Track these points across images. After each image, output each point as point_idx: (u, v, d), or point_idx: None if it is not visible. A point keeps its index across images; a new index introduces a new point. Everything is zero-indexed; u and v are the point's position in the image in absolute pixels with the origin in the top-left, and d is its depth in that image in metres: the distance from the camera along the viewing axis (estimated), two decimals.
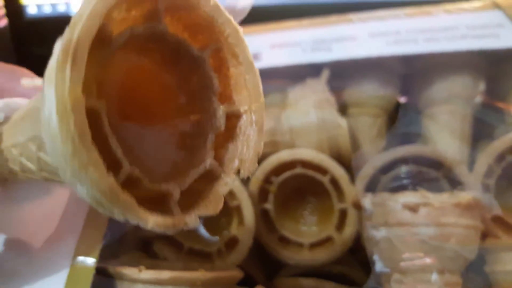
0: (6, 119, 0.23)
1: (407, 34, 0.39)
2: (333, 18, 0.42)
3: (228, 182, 0.20)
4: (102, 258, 0.28)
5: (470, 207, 0.28)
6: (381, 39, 0.39)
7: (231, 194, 0.33)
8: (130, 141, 0.20)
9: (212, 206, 0.20)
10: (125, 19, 0.18)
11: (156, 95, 0.21)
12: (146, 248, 0.33)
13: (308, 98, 0.36)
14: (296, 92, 0.38)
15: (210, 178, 0.20)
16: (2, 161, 0.22)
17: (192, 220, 0.19)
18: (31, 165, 0.20)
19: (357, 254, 0.36)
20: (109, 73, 0.18)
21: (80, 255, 0.28)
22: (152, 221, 0.16)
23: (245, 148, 0.20)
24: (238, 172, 0.21)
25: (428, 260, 0.27)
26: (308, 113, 0.36)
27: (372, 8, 0.43)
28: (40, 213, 0.28)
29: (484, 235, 0.31)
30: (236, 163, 0.20)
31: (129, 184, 0.16)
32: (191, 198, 0.19)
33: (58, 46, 0.15)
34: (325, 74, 0.38)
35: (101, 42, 0.16)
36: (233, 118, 0.20)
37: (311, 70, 0.39)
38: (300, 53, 0.39)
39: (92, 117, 0.15)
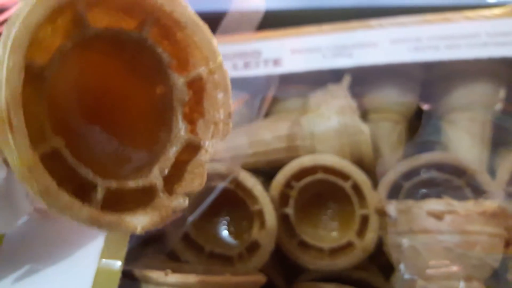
0: None
1: (428, 40, 0.39)
2: (353, 23, 0.42)
3: (208, 149, 0.20)
4: (127, 261, 0.28)
5: (495, 215, 0.28)
6: (402, 46, 0.39)
7: (253, 198, 0.33)
8: (102, 141, 0.20)
9: (197, 180, 0.20)
10: (54, 31, 0.17)
11: (116, 88, 0.21)
12: (167, 250, 0.33)
13: (329, 103, 0.37)
14: (317, 97, 0.38)
15: (190, 150, 0.20)
16: None
17: (181, 202, 0.19)
18: None
19: (377, 260, 0.36)
20: (58, 87, 0.18)
21: (106, 257, 0.28)
22: (140, 227, 0.17)
23: (216, 112, 0.20)
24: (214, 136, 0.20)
25: (454, 268, 0.27)
26: (330, 119, 0.36)
27: (391, 14, 0.43)
28: None
29: (507, 243, 0.31)
30: (211, 128, 0.20)
31: (111, 197, 0.17)
32: (175, 179, 0.19)
33: None
34: (346, 79, 0.38)
35: (34, 78, 0.16)
36: (195, 84, 0.20)
37: (332, 76, 0.39)
38: (321, 59, 0.39)
39: (55, 154, 0.16)
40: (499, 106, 0.39)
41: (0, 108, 0.14)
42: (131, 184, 0.18)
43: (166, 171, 0.19)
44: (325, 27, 0.42)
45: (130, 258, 0.29)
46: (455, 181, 0.33)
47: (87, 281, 0.27)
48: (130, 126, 0.21)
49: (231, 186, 0.33)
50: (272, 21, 0.43)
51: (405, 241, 0.29)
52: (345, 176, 0.34)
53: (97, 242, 0.29)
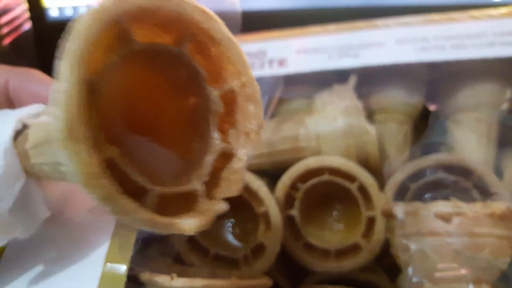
0: (24, 128, 0.24)
1: (434, 40, 0.39)
2: (359, 23, 0.41)
3: (241, 157, 0.21)
4: (132, 264, 0.28)
5: (504, 217, 0.28)
6: (408, 46, 0.39)
7: (258, 201, 0.33)
8: (144, 150, 0.21)
9: (234, 186, 0.21)
10: (99, 45, 0.18)
11: (154, 99, 0.22)
12: (172, 253, 0.33)
13: (335, 104, 0.36)
14: (323, 98, 0.37)
15: (224, 159, 0.21)
16: (36, 168, 0.23)
17: (221, 205, 0.21)
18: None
19: (383, 261, 0.36)
20: (106, 100, 0.19)
21: (111, 261, 0.28)
22: (191, 229, 0.18)
23: (247, 122, 0.21)
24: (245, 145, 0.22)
25: (462, 271, 0.27)
26: (336, 119, 0.36)
27: (396, 14, 0.43)
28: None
29: None
30: (243, 137, 0.21)
31: (159, 201, 0.18)
32: (212, 185, 0.21)
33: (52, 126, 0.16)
34: (352, 80, 0.37)
35: (91, 93, 0.17)
36: (227, 96, 0.21)
37: (337, 76, 0.39)
38: (327, 59, 0.39)
39: (109, 163, 0.17)
40: (505, 106, 0.39)
41: (66, 121, 0.15)
42: (178, 189, 0.19)
43: (205, 178, 0.21)
44: (331, 27, 0.42)
45: (135, 262, 0.29)
46: (462, 182, 0.33)
47: (92, 285, 0.27)
48: (167, 136, 0.22)
49: None
50: (277, 21, 0.43)
51: (413, 244, 0.29)
52: (351, 178, 0.34)
53: (102, 246, 0.29)
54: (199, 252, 0.34)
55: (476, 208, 0.28)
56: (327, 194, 0.36)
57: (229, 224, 0.36)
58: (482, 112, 0.39)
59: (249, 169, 0.38)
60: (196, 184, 0.20)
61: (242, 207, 0.34)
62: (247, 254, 0.34)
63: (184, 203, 0.20)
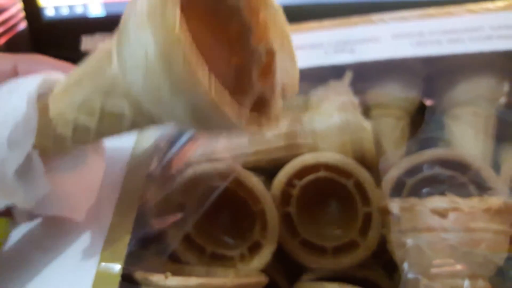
0: (46, 93, 0.24)
1: (431, 35, 0.39)
2: (355, 19, 0.41)
3: (278, 103, 0.23)
4: (126, 263, 0.28)
5: (501, 212, 0.28)
6: (404, 41, 0.38)
7: (254, 198, 0.33)
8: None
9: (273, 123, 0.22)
10: None
11: (206, 52, 0.23)
12: (168, 252, 0.33)
13: (331, 100, 0.36)
14: (318, 95, 0.37)
15: (261, 105, 0.23)
16: (48, 131, 0.24)
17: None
18: (89, 122, 0.22)
19: (380, 258, 0.36)
20: None
21: (106, 261, 0.28)
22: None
23: (285, 77, 0.23)
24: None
25: (458, 267, 0.27)
26: (332, 116, 0.35)
27: (392, 9, 0.42)
28: (80, 184, 0.29)
29: None
30: (279, 88, 0.23)
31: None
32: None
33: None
34: (348, 76, 0.37)
35: None
36: (268, 54, 0.23)
37: (333, 72, 0.39)
38: (322, 55, 0.38)
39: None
40: (503, 100, 0.39)
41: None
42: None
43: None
44: (326, 22, 0.41)
45: (130, 261, 0.29)
46: (459, 177, 0.32)
47: (87, 285, 0.27)
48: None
49: (232, 186, 0.33)
50: None
51: (409, 240, 0.29)
52: (347, 174, 0.34)
53: (96, 245, 0.28)
54: (195, 250, 0.34)
55: (472, 203, 0.28)
56: (324, 190, 0.36)
57: (226, 222, 0.36)
58: (480, 106, 0.38)
59: (245, 167, 0.38)
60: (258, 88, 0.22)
61: (239, 205, 0.34)
62: (243, 252, 0.33)
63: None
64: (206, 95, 0.17)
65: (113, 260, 0.28)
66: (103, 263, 0.27)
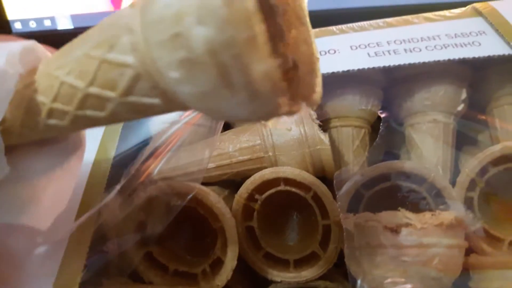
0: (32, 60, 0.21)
1: (388, 45, 0.37)
2: (316, 31, 0.40)
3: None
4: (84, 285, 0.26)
5: (453, 227, 0.27)
6: (362, 51, 0.37)
7: (214, 216, 0.31)
8: None
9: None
10: None
11: None
12: (128, 271, 0.31)
13: None
14: None
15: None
16: (23, 100, 0.20)
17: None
18: (74, 90, 0.18)
19: (343, 267, 0.35)
20: None
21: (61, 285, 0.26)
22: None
23: (306, 91, 0.19)
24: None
25: (409, 286, 0.26)
26: (291, 129, 0.34)
27: (364, 16, 0.41)
28: (52, 189, 0.24)
29: (469, 251, 0.29)
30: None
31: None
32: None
33: None
34: None
35: None
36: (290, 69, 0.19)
37: None
38: None
39: None
40: (461, 108, 0.37)
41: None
42: None
43: None
44: None
45: (89, 284, 0.27)
46: (416, 188, 0.31)
47: None
48: None
49: (191, 204, 0.31)
50: None
51: (362, 256, 0.27)
52: (305, 188, 0.32)
53: (50, 272, 0.27)
54: (157, 269, 0.32)
55: (424, 219, 0.26)
56: (285, 203, 0.35)
57: (188, 239, 0.34)
58: (439, 114, 0.37)
59: (209, 181, 0.36)
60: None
61: (200, 221, 0.33)
62: (205, 269, 0.32)
63: None
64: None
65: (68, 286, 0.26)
66: None
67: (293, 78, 0.19)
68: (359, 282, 0.27)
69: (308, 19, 0.20)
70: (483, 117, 0.37)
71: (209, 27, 0.14)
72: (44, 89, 0.20)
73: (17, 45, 0.21)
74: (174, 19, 0.15)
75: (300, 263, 0.33)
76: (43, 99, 0.20)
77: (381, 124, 0.37)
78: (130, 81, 0.17)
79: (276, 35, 0.18)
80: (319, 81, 0.20)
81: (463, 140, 0.37)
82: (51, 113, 0.20)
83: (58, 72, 0.19)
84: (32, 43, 0.22)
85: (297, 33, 0.19)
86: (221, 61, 0.14)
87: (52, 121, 0.20)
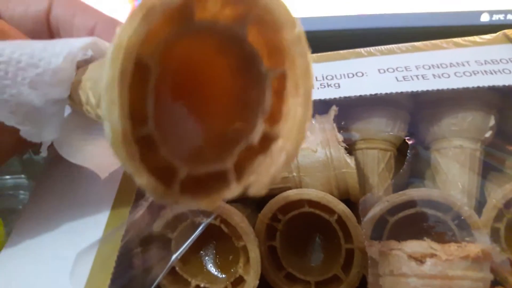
0: (93, 58, 0.24)
1: (417, 69, 0.37)
2: (344, 52, 0.39)
3: (235, 191, 0.18)
4: None
5: (479, 259, 0.26)
6: (390, 75, 0.36)
7: (237, 235, 0.31)
8: (171, 112, 0.19)
9: (207, 202, 0.18)
10: (216, 10, 0.17)
11: (215, 87, 0.20)
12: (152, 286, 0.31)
13: (316, 135, 0.34)
14: None
15: (220, 179, 0.18)
16: (77, 89, 0.23)
17: (184, 203, 0.17)
18: (93, 100, 0.21)
19: None
20: (178, 45, 0.17)
21: None
22: (146, 180, 0.15)
23: (265, 170, 0.18)
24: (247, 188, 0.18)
25: None
26: (316, 151, 0.34)
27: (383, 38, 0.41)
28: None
29: (494, 283, 0.28)
30: (251, 179, 0.18)
31: (146, 145, 0.16)
32: (194, 187, 0.18)
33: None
34: (333, 111, 0.35)
35: (140, 66, 0.16)
36: (268, 139, 0.19)
37: (318, 107, 0.37)
38: None
39: (142, 71, 0.15)
40: (488, 134, 0.37)
41: (106, 85, 0.15)
42: (164, 154, 0.17)
43: (194, 173, 0.18)
44: (314, 56, 0.40)
45: None
46: (441, 217, 0.31)
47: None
48: (211, 113, 0.20)
49: (216, 222, 0.31)
50: None
51: (386, 284, 0.27)
52: (330, 210, 0.32)
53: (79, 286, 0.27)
54: (180, 283, 0.32)
55: (450, 251, 0.26)
56: (308, 224, 0.34)
57: (211, 255, 0.34)
58: (466, 140, 0.36)
59: (234, 199, 0.36)
60: (182, 169, 0.17)
61: (224, 239, 0.33)
62: (227, 286, 0.32)
63: (217, 185, 0.18)
64: (115, 123, 0.15)
65: None
66: None
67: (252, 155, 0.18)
68: None
69: (308, 93, 0.18)
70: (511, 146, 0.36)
71: None
72: (83, 91, 0.22)
73: (78, 42, 0.24)
74: None
75: (321, 285, 0.33)
76: (82, 97, 0.22)
77: (408, 150, 0.36)
78: None
79: (260, 106, 0.18)
80: (279, 170, 0.18)
81: (489, 167, 0.36)
82: (86, 105, 0.22)
83: (88, 84, 0.22)
84: (93, 39, 0.25)
85: (292, 102, 0.18)
86: None
87: (87, 109, 0.22)
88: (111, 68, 0.14)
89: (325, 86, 0.37)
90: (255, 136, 0.18)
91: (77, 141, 0.28)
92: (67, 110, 0.27)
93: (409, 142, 0.37)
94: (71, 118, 0.27)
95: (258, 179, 0.18)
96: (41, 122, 0.25)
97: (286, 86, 0.18)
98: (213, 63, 0.19)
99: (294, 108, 0.18)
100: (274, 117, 0.19)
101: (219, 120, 0.19)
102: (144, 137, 0.16)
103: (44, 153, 0.28)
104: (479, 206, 0.34)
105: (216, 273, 0.33)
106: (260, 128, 0.18)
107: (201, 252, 0.34)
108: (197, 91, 0.19)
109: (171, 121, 0.18)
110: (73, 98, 0.24)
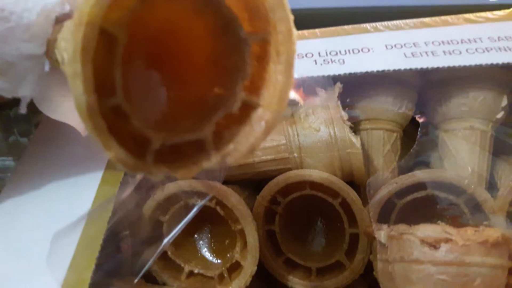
0: (72, 13, 0.22)
1: (426, 45, 0.34)
2: (348, 28, 0.37)
3: (213, 160, 0.18)
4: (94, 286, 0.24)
5: (498, 245, 0.23)
6: (398, 51, 0.34)
7: (234, 218, 0.29)
8: (144, 81, 0.18)
9: (184, 172, 0.17)
10: None
11: (192, 53, 0.19)
12: (142, 272, 0.29)
13: (319, 113, 0.32)
14: (306, 107, 0.33)
15: (199, 148, 0.18)
16: (53, 47, 0.22)
17: (158, 173, 0.16)
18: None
19: (368, 278, 0.32)
20: (148, 12, 0.16)
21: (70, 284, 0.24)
22: (115, 152, 0.15)
23: (244, 139, 0.18)
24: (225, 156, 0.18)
25: None
26: (319, 130, 0.31)
27: (391, 16, 0.38)
28: None
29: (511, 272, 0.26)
30: (230, 148, 0.18)
31: (117, 115, 0.15)
32: (170, 156, 0.17)
33: None
34: (338, 87, 0.33)
35: (106, 36, 0.15)
36: (248, 107, 0.18)
37: (323, 83, 0.34)
38: (312, 65, 0.34)
39: (109, 41, 0.15)
40: (500, 115, 0.34)
41: (69, 57, 0.14)
42: (135, 124, 0.16)
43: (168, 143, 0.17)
44: (318, 31, 0.37)
45: (100, 283, 0.25)
46: (454, 200, 0.28)
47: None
48: (186, 81, 0.19)
49: (211, 204, 0.29)
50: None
51: (396, 271, 0.24)
52: (333, 193, 0.29)
53: (60, 269, 0.25)
54: (172, 270, 0.30)
55: (467, 235, 0.23)
56: (310, 208, 0.32)
57: (206, 240, 0.32)
58: (476, 121, 0.34)
59: (230, 179, 0.33)
60: (155, 138, 0.16)
61: (220, 222, 0.30)
62: (222, 272, 0.29)
63: (194, 154, 0.17)
64: (80, 96, 0.14)
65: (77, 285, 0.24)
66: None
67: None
68: None
69: (289, 60, 0.17)
70: None
71: None
72: (58, 50, 0.20)
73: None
74: None
75: (323, 272, 0.30)
76: (57, 56, 0.20)
77: (419, 129, 0.33)
78: None
79: (239, 72, 0.18)
80: (260, 138, 0.17)
81: (500, 149, 0.33)
82: (61, 65, 0.20)
83: (62, 43, 0.19)
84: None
85: (273, 69, 0.17)
86: None
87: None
88: (73, 41, 0.14)
89: (328, 62, 0.34)
90: (235, 104, 0.18)
91: (57, 97, 0.26)
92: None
93: (420, 120, 0.34)
94: (51, 74, 0.25)
95: (237, 148, 0.17)
96: (16, 77, 0.23)
97: (267, 52, 0.17)
98: (189, 27, 0.18)
99: (275, 76, 0.17)
100: (255, 85, 0.18)
101: (197, 86, 0.19)
102: (113, 108, 0.15)
103: (23, 110, 0.25)
104: (489, 190, 0.31)
105: (211, 258, 0.31)
106: (239, 96, 0.18)
107: (195, 236, 0.31)
108: (173, 57, 0.19)
109: (144, 91, 0.18)
110: (51, 56, 0.22)
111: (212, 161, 0.17)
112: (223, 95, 0.18)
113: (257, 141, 0.17)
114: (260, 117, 0.17)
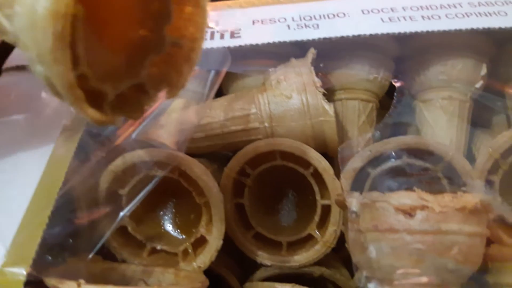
0: None
1: (404, 11, 0.32)
2: None
3: (153, 97, 0.20)
4: (38, 267, 0.21)
5: (476, 212, 0.22)
6: (375, 16, 0.32)
7: (198, 190, 0.26)
8: (92, 43, 0.18)
9: (134, 113, 0.20)
10: None
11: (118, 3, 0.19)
12: (96, 247, 0.26)
13: (291, 80, 0.29)
14: (277, 74, 0.30)
15: (138, 90, 0.20)
16: None
17: (118, 120, 0.19)
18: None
19: (341, 253, 0.30)
20: None
21: (10, 265, 0.21)
22: (91, 114, 0.16)
23: (175, 77, 0.20)
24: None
25: (425, 278, 0.21)
26: (291, 97, 0.29)
27: None
28: None
29: (489, 241, 0.24)
30: (164, 85, 0.20)
31: (79, 80, 0.16)
32: (121, 104, 0.19)
33: None
34: (311, 53, 0.30)
35: None
36: (174, 47, 0.20)
37: (295, 49, 0.32)
38: (285, 30, 0.32)
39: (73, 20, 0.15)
40: (480, 84, 0.32)
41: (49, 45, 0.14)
42: (93, 83, 0.17)
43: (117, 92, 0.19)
44: None
45: (43, 264, 0.22)
46: (430, 168, 0.26)
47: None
48: (118, 24, 0.19)
49: (174, 175, 0.26)
50: None
51: (368, 241, 0.22)
52: (305, 163, 0.27)
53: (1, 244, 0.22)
54: (133, 246, 0.27)
55: (444, 202, 0.21)
56: (280, 180, 0.30)
57: (169, 214, 0.29)
58: (455, 90, 0.32)
59: (196, 152, 0.31)
60: (110, 90, 0.18)
61: (184, 195, 0.28)
62: (187, 248, 0.27)
63: (139, 97, 0.20)
64: (63, 77, 0.15)
65: (18, 263, 0.21)
66: (6, 268, 0.21)
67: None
68: (364, 272, 0.22)
69: (204, 4, 0.19)
70: (502, 90, 0.32)
71: None
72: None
73: None
74: None
75: (293, 246, 0.29)
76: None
77: (395, 94, 0.31)
78: None
79: (163, 15, 0.19)
80: (190, 71, 0.20)
81: (482, 115, 0.32)
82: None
83: None
84: None
85: (191, 12, 0.19)
86: None
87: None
88: (49, 37, 0.14)
89: (302, 27, 0.32)
90: (164, 47, 0.20)
91: None
92: None
93: (396, 85, 0.32)
94: None
95: (171, 84, 0.20)
96: None
97: None
98: None
99: (193, 17, 0.19)
100: (176, 25, 0.20)
101: (126, 30, 0.19)
102: (79, 76, 0.16)
103: None
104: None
105: (175, 233, 0.29)
106: (167, 39, 0.19)
107: (158, 211, 0.29)
108: (103, 9, 0.19)
109: (92, 48, 0.18)
110: None
111: (153, 98, 0.20)
112: (151, 38, 0.19)
113: (185, 76, 0.20)
114: (185, 56, 0.20)
